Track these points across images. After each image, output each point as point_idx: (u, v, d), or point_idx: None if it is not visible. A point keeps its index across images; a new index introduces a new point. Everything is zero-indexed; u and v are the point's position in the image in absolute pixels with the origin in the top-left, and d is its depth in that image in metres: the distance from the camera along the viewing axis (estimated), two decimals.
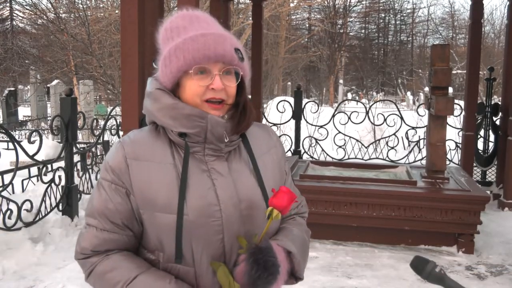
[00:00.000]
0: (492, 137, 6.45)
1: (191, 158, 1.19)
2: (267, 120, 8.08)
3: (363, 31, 37.98)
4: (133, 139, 1.23)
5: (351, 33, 35.32)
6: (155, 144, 1.21)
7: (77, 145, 5.43)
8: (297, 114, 6.92)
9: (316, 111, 7.82)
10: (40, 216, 4.50)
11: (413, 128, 7.41)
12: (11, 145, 4.61)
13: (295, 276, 1.25)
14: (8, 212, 4.12)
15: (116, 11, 12.80)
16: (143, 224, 1.21)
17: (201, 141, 1.19)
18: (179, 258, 1.15)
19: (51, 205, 4.72)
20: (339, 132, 7.15)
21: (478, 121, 6.47)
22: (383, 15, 37.17)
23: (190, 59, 1.14)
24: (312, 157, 7.39)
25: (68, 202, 4.86)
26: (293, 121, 7.00)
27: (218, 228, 1.17)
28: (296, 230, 1.33)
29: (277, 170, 1.33)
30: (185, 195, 1.15)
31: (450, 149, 6.84)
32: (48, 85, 14.56)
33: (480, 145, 6.56)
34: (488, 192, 5.42)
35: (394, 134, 7.11)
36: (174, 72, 1.17)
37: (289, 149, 7.03)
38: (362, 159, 7.15)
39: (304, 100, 8.02)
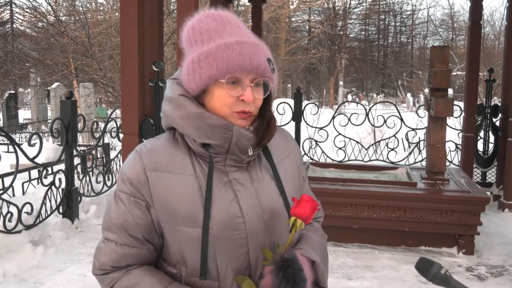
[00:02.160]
0: (492, 138, 6.46)
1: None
2: None
3: (363, 32, 38.02)
4: (151, 149, 1.17)
5: (351, 35, 35.37)
6: (174, 154, 1.16)
7: (77, 147, 5.44)
8: (297, 116, 6.92)
9: (316, 113, 7.82)
10: (41, 219, 4.50)
11: (413, 129, 7.41)
12: (11, 148, 4.62)
13: (318, 285, 1.23)
14: (9, 215, 4.12)
15: (116, 14, 12.85)
16: (163, 237, 1.18)
17: (223, 152, 1.15)
18: (204, 275, 1.11)
19: (51, 207, 4.72)
20: (339, 133, 7.15)
21: (478, 122, 6.48)
22: (383, 16, 37.21)
23: (223, 68, 1.08)
24: (312, 158, 7.40)
25: (69, 205, 4.87)
26: (293, 123, 7.00)
27: (243, 240, 1.14)
28: (315, 237, 1.31)
29: (296, 176, 1.31)
30: (210, 209, 1.11)
31: (450, 150, 6.84)
32: (48, 88, 14.60)
33: (480, 146, 6.56)
34: (488, 193, 5.43)
35: (394, 135, 7.11)
36: (204, 79, 1.11)
37: None
38: (362, 160, 7.15)
39: (304, 102, 8.03)
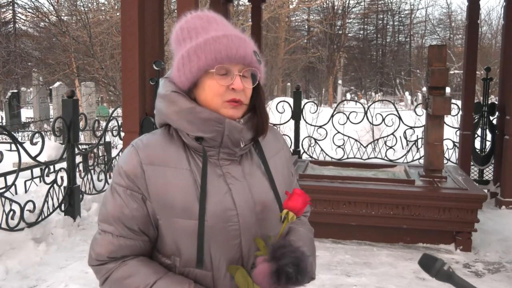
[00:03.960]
0: (489, 136, 6.50)
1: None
2: None
3: (361, 32, 38.01)
4: (147, 144, 1.20)
5: (350, 34, 35.35)
6: (170, 149, 1.20)
7: (79, 146, 5.48)
8: (297, 114, 6.97)
9: (315, 112, 7.88)
10: (43, 217, 4.54)
11: (411, 127, 7.46)
12: (14, 147, 4.65)
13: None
14: (11, 212, 4.14)
15: (117, 14, 12.87)
16: (158, 229, 1.21)
17: (217, 145, 1.19)
18: (201, 263, 1.15)
19: (53, 205, 4.76)
20: (338, 132, 7.20)
21: (475, 120, 6.53)
22: (381, 16, 37.21)
23: (212, 59, 1.13)
24: (311, 156, 7.44)
25: (70, 203, 4.91)
26: (292, 122, 7.05)
27: (236, 232, 1.17)
28: (303, 230, 1.35)
29: (286, 171, 1.35)
30: (205, 201, 1.15)
31: (447, 148, 6.89)
32: (51, 87, 14.62)
33: (477, 144, 6.61)
34: (485, 190, 5.47)
35: (392, 133, 7.15)
36: (194, 71, 1.15)
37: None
38: (361, 158, 7.19)
39: (303, 101, 8.08)
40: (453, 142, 7.11)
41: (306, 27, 34.26)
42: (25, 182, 5.11)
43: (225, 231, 1.16)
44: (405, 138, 7.79)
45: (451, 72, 22.52)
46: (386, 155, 7.16)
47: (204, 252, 1.15)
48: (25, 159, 4.42)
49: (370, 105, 7.72)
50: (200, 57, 1.14)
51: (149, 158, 1.18)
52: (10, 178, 4.55)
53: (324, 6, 29.39)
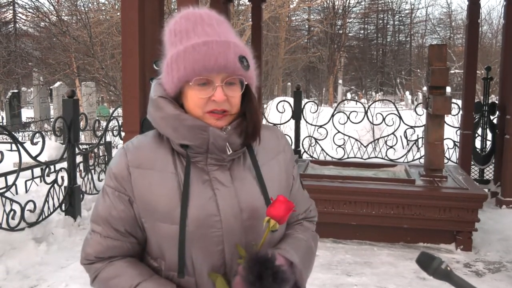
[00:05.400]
0: (489, 136, 6.51)
1: (193, 167, 1.16)
2: (267, 120, 8.15)
3: (362, 31, 38.03)
4: (137, 146, 1.20)
5: (350, 34, 35.37)
6: (158, 152, 1.19)
7: (79, 146, 5.48)
8: (297, 114, 6.97)
9: (316, 111, 7.88)
10: (43, 217, 4.55)
11: (411, 127, 7.46)
12: (14, 147, 4.65)
13: (296, 286, 1.20)
14: (12, 212, 4.15)
15: (118, 13, 12.87)
16: (145, 231, 1.21)
17: (203, 152, 1.16)
18: (182, 273, 1.13)
19: (54, 205, 4.77)
20: (339, 131, 7.19)
21: (476, 120, 6.53)
22: (381, 15, 37.22)
23: (190, 70, 1.09)
24: (311, 156, 7.44)
25: (71, 203, 4.92)
26: (293, 121, 7.05)
27: (218, 239, 1.14)
28: (302, 236, 1.29)
29: (284, 176, 1.29)
30: (187, 206, 1.13)
31: (448, 148, 6.88)
32: (51, 87, 14.63)
33: (477, 143, 6.61)
34: (486, 190, 5.46)
35: (392, 133, 7.16)
36: (175, 81, 1.13)
37: None
38: (361, 158, 7.20)
39: (304, 100, 8.08)
40: (454, 141, 7.11)
41: (307, 26, 34.25)
42: (25, 182, 5.11)
43: (207, 237, 1.14)
44: (406, 137, 7.79)
45: (452, 71, 22.53)
46: (386, 155, 7.16)
47: (185, 259, 1.14)
48: (26, 159, 4.43)
49: (371, 104, 7.72)
50: (179, 67, 1.11)
51: (136, 160, 1.18)
52: (10, 178, 4.56)
53: (325, 5, 29.41)
